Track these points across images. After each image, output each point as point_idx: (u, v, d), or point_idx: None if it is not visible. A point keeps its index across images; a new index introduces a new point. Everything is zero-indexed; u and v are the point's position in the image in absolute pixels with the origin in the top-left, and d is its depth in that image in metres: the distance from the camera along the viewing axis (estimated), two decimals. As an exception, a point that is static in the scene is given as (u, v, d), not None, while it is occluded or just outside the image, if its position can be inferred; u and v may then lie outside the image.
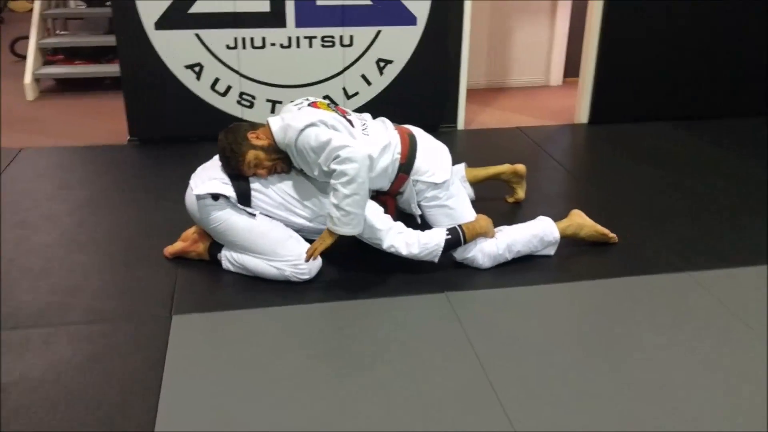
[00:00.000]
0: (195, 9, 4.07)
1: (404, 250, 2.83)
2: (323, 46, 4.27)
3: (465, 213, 2.94)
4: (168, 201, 3.57)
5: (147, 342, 2.48)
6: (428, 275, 2.92)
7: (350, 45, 4.30)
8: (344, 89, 4.41)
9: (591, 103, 4.77)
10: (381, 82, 4.43)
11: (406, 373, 2.34)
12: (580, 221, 3.11)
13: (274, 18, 4.16)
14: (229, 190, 2.81)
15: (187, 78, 4.23)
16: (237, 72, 4.25)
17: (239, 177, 2.84)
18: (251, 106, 4.35)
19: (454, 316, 2.65)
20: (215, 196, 2.80)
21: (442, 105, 4.60)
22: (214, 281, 2.88)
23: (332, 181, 2.62)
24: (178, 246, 3.01)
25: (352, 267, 2.95)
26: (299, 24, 4.20)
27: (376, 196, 2.98)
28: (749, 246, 3.18)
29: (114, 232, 3.30)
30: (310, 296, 2.76)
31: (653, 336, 2.54)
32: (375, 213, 2.86)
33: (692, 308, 2.71)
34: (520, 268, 2.97)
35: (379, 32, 4.29)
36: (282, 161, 2.83)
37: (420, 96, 4.50)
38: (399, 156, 2.87)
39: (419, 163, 2.89)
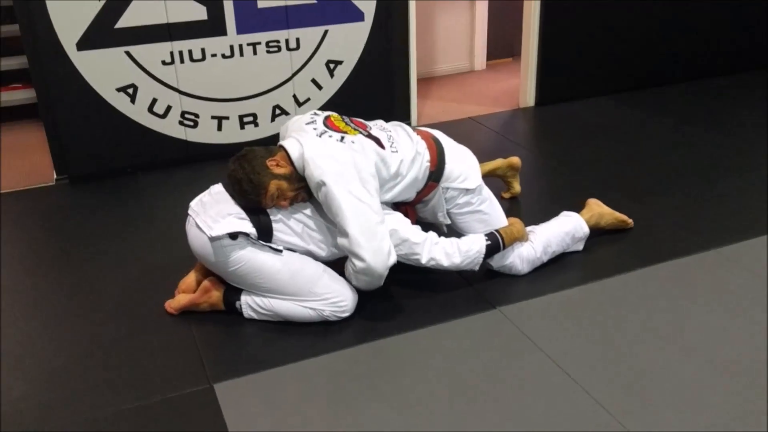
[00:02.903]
0: (122, 23, 3.57)
1: (445, 262, 2.60)
2: (269, 51, 3.90)
3: (499, 217, 2.76)
4: (130, 247, 3.14)
5: (202, 421, 2.11)
6: (465, 291, 2.72)
7: (297, 48, 3.96)
8: (294, 96, 4.06)
9: (537, 85, 4.71)
10: (332, 85, 4.12)
11: (495, 401, 2.14)
12: (600, 210, 3.01)
13: (212, 26, 3.74)
14: (248, 227, 2.45)
15: (119, 102, 3.72)
16: (176, 89, 3.79)
17: (257, 210, 2.49)
18: (195, 125, 3.91)
19: (518, 332, 2.47)
20: (233, 235, 2.43)
21: (395, 102, 4.37)
22: (240, 335, 2.52)
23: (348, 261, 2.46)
24: (184, 299, 2.60)
25: (380, 294, 2.67)
26: (241, 30, 3.80)
27: (397, 205, 2.73)
28: (753, 212, 3.23)
29: (85, 296, 2.81)
30: (351, 338, 2.48)
31: (713, 317, 2.50)
32: (406, 226, 2.61)
33: (735, 284, 2.69)
34: (554, 269, 2.84)
35: (326, 32, 3.98)
36: (304, 189, 2.51)
37: (372, 95, 4.24)
38: (428, 164, 2.63)
39: (450, 168, 2.66)
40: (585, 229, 2.90)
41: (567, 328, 2.49)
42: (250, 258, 2.46)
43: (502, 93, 5.14)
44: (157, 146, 3.87)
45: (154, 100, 3.78)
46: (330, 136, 2.49)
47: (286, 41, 3.91)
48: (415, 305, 2.64)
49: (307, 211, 2.56)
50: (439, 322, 2.52)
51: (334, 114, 2.66)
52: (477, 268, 2.67)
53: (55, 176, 3.82)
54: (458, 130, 4.41)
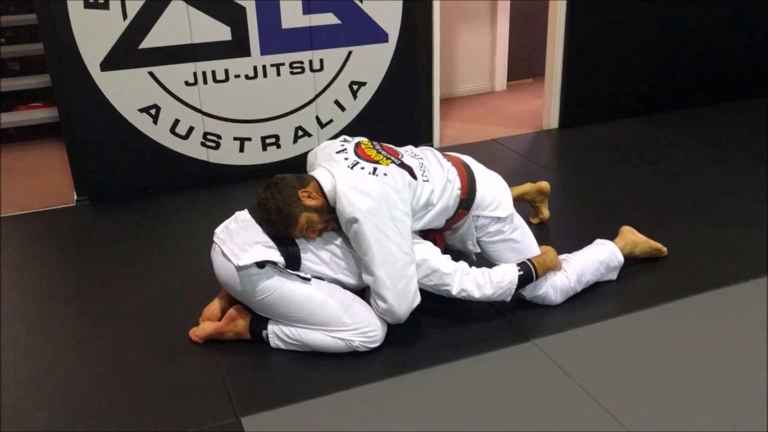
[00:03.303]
0: (146, 44, 3.54)
1: (477, 293, 2.52)
2: (292, 73, 3.86)
3: (531, 246, 2.68)
4: (152, 271, 3.09)
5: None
6: (498, 322, 2.64)
7: (321, 69, 3.91)
8: (317, 118, 4.02)
9: (561, 107, 4.65)
10: (355, 107, 4.08)
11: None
12: (634, 238, 2.93)
13: (236, 47, 3.71)
14: (276, 255, 2.39)
15: (142, 122, 3.68)
16: (199, 110, 3.76)
17: (285, 238, 2.43)
18: (217, 146, 3.87)
19: (554, 365, 2.39)
20: (261, 264, 2.37)
21: (418, 124, 4.32)
22: (267, 366, 2.45)
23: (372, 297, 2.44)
24: (209, 327, 2.54)
25: (409, 324, 2.58)
26: (265, 51, 3.76)
27: (425, 232, 2.66)
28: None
29: (108, 321, 2.74)
30: (382, 370, 2.39)
31: (753, 351, 2.41)
32: (437, 256, 2.54)
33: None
34: (587, 299, 2.76)
35: (350, 53, 3.94)
36: (334, 220, 2.44)
37: (395, 117, 4.19)
38: (459, 192, 2.56)
39: (481, 196, 2.60)
40: (620, 258, 2.82)
41: (604, 361, 2.40)
42: (278, 287, 2.40)
43: (524, 114, 5.08)
44: (179, 168, 3.83)
45: (177, 121, 3.74)
46: (362, 168, 2.42)
47: (310, 62, 3.87)
48: (447, 336, 2.56)
49: (336, 241, 2.50)
50: (472, 355, 2.44)
51: (365, 140, 2.61)
52: (509, 299, 2.60)
53: (75, 197, 3.78)
54: (481, 153, 4.34)
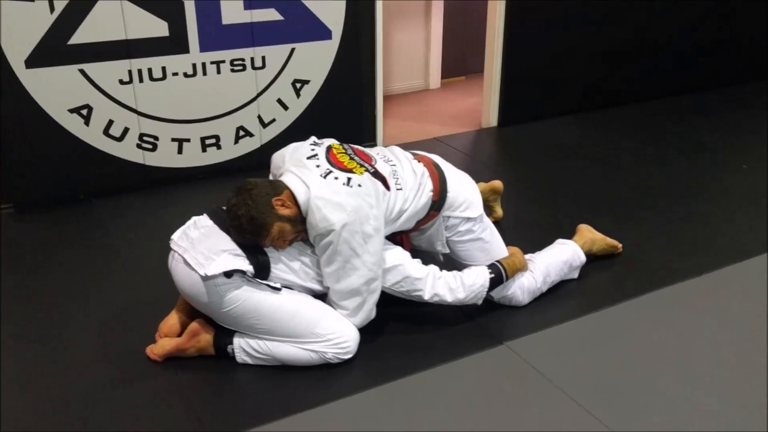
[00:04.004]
0: (76, 39, 3.29)
1: (449, 297, 2.48)
2: (233, 70, 3.69)
3: (500, 246, 2.66)
4: (91, 283, 2.88)
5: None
6: (468, 325, 2.60)
7: (263, 67, 3.76)
8: (259, 117, 3.86)
9: (500, 105, 4.67)
10: (298, 105, 3.95)
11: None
12: (592, 236, 2.96)
13: (174, 43, 3.51)
14: (244, 264, 2.26)
15: (72, 124, 3.43)
16: (134, 110, 3.53)
17: (252, 246, 2.30)
18: (154, 148, 3.65)
19: (529, 367, 2.37)
20: (228, 274, 2.23)
21: (361, 123, 4.23)
22: (235, 383, 2.31)
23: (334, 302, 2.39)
24: (168, 344, 2.37)
25: (380, 332, 2.53)
26: (204, 48, 3.58)
27: (392, 234, 2.58)
28: (738, 236, 3.26)
29: (54, 342, 2.51)
30: (356, 382, 2.30)
31: (715, 341, 2.48)
32: (408, 261, 2.48)
33: (732, 308, 2.69)
34: (551, 299, 2.76)
35: (293, 50, 3.81)
36: (305, 231, 2.34)
37: (339, 116, 4.09)
38: (431, 194, 2.50)
39: (452, 197, 2.54)
40: (582, 258, 2.84)
41: (577, 361, 2.41)
42: (247, 298, 2.26)
43: (461, 112, 5.08)
44: (113, 171, 3.59)
45: (110, 122, 3.50)
46: (336, 178, 2.32)
47: (252, 59, 3.72)
48: (418, 342, 2.50)
49: (307, 249, 2.39)
50: (447, 361, 2.39)
51: (336, 143, 2.50)
52: (480, 302, 2.57)
53: (-2, 205, 3.50)
54: (424, 151, 4.32)
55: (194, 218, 2.49)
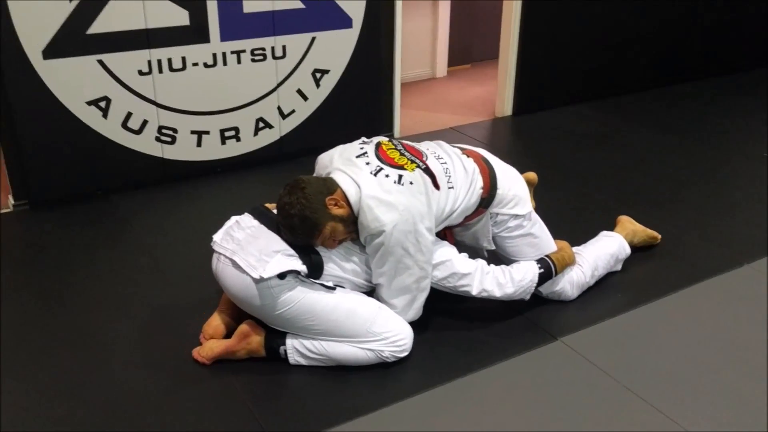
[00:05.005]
0: (95, 29, 3.16)
1: (498, 292, 2.43)
2: (253, 60, 3.58)
3: (549, 241, 2.60)
4: (124, 286, 2.76)
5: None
6: (519, 321, 2.55)
7: (283, 56, 3.66)
8: (279, 108, 3.76)
9: (515, 94, 4.61)
10: (318, 96, 3.85)
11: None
12: (633, 227, 2.93)
13: (195, 32, 3.39)
14: (298, 264, 2.18)
15: (90, 116, 3.30)
16: (153, 102, 3.41)
17: (304, 246, 2.22)
18: (173, 141, 3.54)
19: (589, 363, 2.33)
20: (282, 275, 2.15)
21: (380, 113, 4.15)
22: (290, 386, 2.23)
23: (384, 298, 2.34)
24: (217, 346, 2.29)
25: (431, 328, 2.47)
26: (225, 37, 3.47)
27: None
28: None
29: (89, 355, 2.38)
30: (416, 382, 2.24)
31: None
32: (456, 256, 2.42)
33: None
34: (598, 292, 2.72)
35: (313, 39, 3.71)
36: (356, 232, 2.27)
37: (357, 106, 4.00)
38: (482, 191, 2.43)
39: (502, 194, 2.48)
40: (627, 250, 2.81)
41: (634, 354, 2.38)
42: (301, 298, 2.19)
43: (472, 101, 5.02)
44: (132, 165, 3.48)
45: (129, 114, 3.38)
46: (387, 176, 2.24)
47: (272, 49, 3.61)
48: (472, 340, 2.44)
49: (356, 247, 2.32)
50: (505, 359, 2.33)
51: (385, 140, 2.42)
52: (528, 296, 2.52)
53: (12, 201, 3.35)
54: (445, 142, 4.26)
55: (235, 218, 2.40)
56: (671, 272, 2.86)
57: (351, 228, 2.24)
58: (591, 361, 2.33)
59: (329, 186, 2.22)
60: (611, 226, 2.95)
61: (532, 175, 3.22)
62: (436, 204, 2.31)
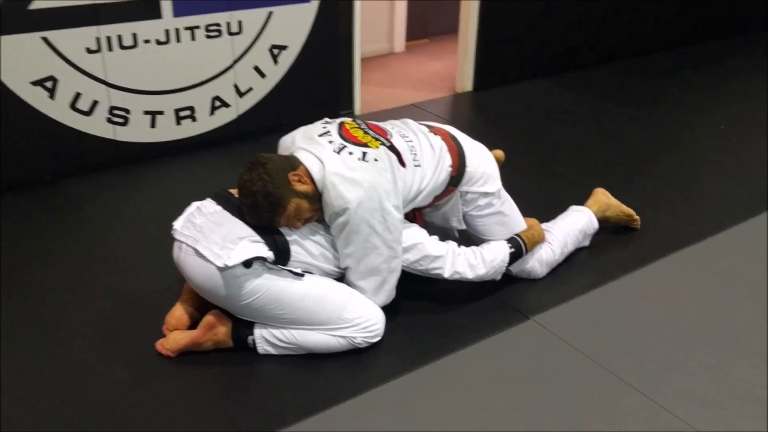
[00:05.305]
0: (38, 4, 2.98)
1: (470, 274, 2.39)
2: (208, 36, 3.44)
3: (518, 219, 2.56)
4: (81, 276, 2.64)
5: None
6: (491, 300, 2.53)
7: (239, 32, 3.52)
8: (236, 86, 3.63)
9: (474, 69, 4.56)
10: (276, 73, 3.73)
11: (560, 418, 1.98)
12: (607, 201, 2.89)
13: (146, 7, 3.23)
14: (264, 250, 2.09)
15: (36, 98, 3.12)
16: (103, 82, 3.25)
17: (270, 229, 2.14)
18: (125, 122, 3.38)
19: (561, 342, 2.32)
20: (248, 263, 2.07)
21: (339, 90, 4.05)
22: (261, 376, 2.16)
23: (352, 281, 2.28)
24: (182, 338, 2.20)
25: (403, 311, 2.42)
26: (178, 12, 3.31)
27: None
28: (730, 196, 3.28)
29: (47, 351, 2.27)
30: (391, 368, 2.20)
31: (734, 302, 2.51)
32: (426, 238, 2.37)
33: (734, 270, 2.72)
34: (566, 269, 2.71)
35: (270, 14, 3.58)
36: (321, 210, 2.20)
37: (317, 83, 3.89)
38: (450, 169, 2.37)
39: (471, 171, 2.42)
40: (595, 224, 2.79)
41: (606, 331, 2.39)
42: (269, 286, 2.11)
43: (432, 76, 4.95)
44: (82, 148, 3.31)
45: (78, 95, 3.22)
46: (351, 153, 2.18)
47: (228, 24, 3.47)
48: (445, 321, 2.40)
49: (321, 230, 2.24)
50: (478, 340, 2.31)
51: (348, 120, 2.34)
52: (500, 277, 2.49)
53: (-46, 189, 3.18)
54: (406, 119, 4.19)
55: (196, 203, 2.30)
56: (639, 246, 2.86)
57: (316, 206, 2.17)
58: (564, 340, 2.32)
59: (292, 163, 2.15)
60: (578, 201, 2.93)
61: (499, 153, 3.16)
62: (403, 182, 2.24)
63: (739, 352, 2.28)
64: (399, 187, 2.22)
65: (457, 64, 4.63)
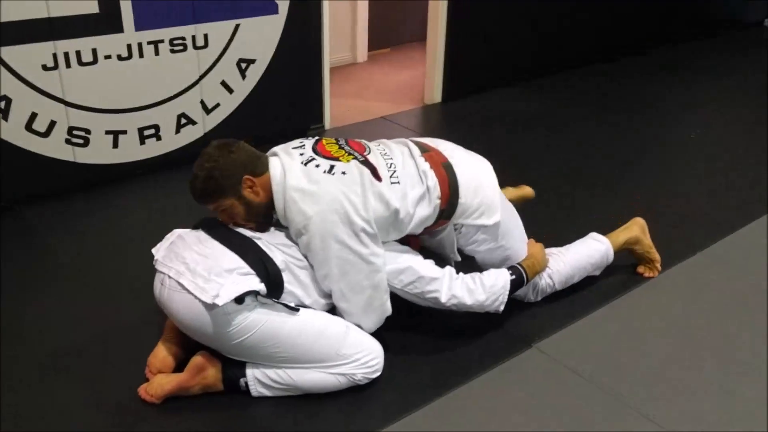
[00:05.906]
0: (-11, 18, 2.77)
1: (468, 299, 2.25)
2: (172, 51, 3.25)
3: (521, 249, 2.42)
4: (54, 315, 2.43)
5: None
6: (488, 326, 2.41)
7: (205, 46, 3.34)
8: (202, 102, 3.45)
9: (444, 80, 4.46)
10: (244, 88, 3.56)
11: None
12: (639, 236, 2.69)
13: (106, 21, 3.02)
14: (255, 283, 1.94)
15: (-13, 119, 2.90)
16: (61, 100, 3.03)
17: (259, 257, 1.99)
18: (86, 143, 3.17)
19: (564, 368, 2.25)
20: (240, 298, 1.91)
21: (309, 104, 3.90)
22: (257, 423, 2.00)
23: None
24: (168, 383, 2.02)
25: (399, 343, 2.29)
26: (140, 26, 3.12)
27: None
28: (719, 207, 3.27)
29: (21, 397, 2.08)
30: (391, 407, 2.07)
31: (732, 316, 2.47)
32: (420, 261, 2.24)
33: (730, 285, 2.68)
34: (566, 291, 2.59)
35: (237, 26, 3.41)
36: (261, 224, 2.13)
37: (287, 98, 3.74)
38: (439, 201, 2.23)
39: (464, 204, 2.27)
40: (611, 259, 2.63)
41: (609, 354, 2.32)
42: (263, 323, 1.95)
43: (399, 87, 4.84)
44: (40, 172, 3.09)
45: (34, 115, 2.99)
46: (317, 165, 2.06)
47: (193, 38, 3.29)
48: (446, 354, 2.29)
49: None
50: (482, 372, 2.20)
51: (328, 138, 2.23)
52: (502, 308, 2.31)
53: None
54: (377, 133, 4.06)
55: (177, 231, 2.14)
56: (629, 265, 2.78)
57: (253, 219, 2.10)
58: (567, 367, 2.24)
59: (258, 166, 2.08)
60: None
61: (529, 191, 2.91)
62: (379, 195, 2.09)
63: (744, 370, 2.23)
64: (370, 200, 2.07)
65: (425, 74, 4.53)
